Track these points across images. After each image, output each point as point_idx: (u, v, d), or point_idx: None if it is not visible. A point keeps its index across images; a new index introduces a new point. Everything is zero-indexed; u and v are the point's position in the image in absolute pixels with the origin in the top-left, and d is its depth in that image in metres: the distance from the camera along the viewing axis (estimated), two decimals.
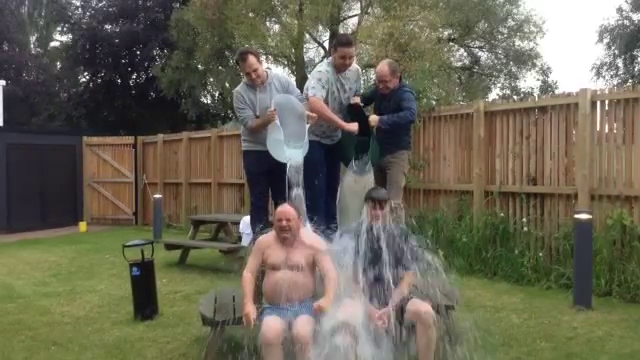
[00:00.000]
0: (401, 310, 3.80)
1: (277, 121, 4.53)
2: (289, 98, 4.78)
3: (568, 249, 6.52)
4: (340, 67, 4.92)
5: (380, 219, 3.98)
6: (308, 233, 4.04)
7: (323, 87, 4.84)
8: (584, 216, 5.74)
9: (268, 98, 4.80)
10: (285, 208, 3.96)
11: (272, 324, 3.62)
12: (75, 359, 4.57)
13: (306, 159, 4.65)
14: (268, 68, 5.21)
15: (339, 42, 5.01)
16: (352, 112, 5.04)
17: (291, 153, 4.51)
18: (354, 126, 4.81)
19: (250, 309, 3.72)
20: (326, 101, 4.86)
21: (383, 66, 5.21)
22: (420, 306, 3.69)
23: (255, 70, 4.82)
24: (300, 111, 4.67)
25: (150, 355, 4.62)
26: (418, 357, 3.71)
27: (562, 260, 6.68)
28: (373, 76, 17.44)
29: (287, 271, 3.83)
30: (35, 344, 4.95)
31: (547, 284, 6.55)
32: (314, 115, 4.64)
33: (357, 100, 5.12)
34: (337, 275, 3.83)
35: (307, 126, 4.62)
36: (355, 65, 5.12)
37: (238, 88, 5.03)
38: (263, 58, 17.91)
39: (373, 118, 4.94)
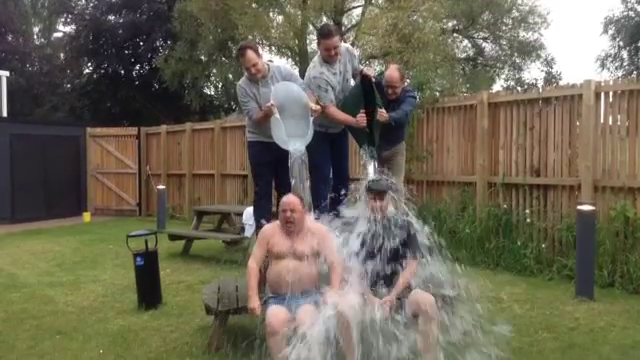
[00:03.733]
0: (403, 300, 3.80)
1: (277, 114, 4.51)
2: (289, 86, 4.73)
3: (571, 240, 6.52)
4: (328, 59, 4.83)
5: (380, 210, 3.99)
6: (313, 222, 4.05)
7: (327, 90, 4.80)
8: (587, 207, 5.74)
9: (270, 92, 4.73)
10: (290, 198, 3.97)
11: (277, 313, 3.64)
12: (79, 348, 4.60)
13: (311, 149, 4.65)
14: (270, 61, 5.16)
15: (319, 34, 4.92)
16: (364, 84, 4.83)
17: (295, 145, 4.50)
18: (362, 120, 4.73)
19: (255, 304, 3.75)
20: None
21: (394, 72, 5.17)
22: (422, 296, 3.70)
23: (255, 65, 4.76)
24: (301, 98, 4.64)
25: (154, 344, 4.65)
26: (419, 347, 3.71)
27: (565, 251, 6.69)
28: (377, 68, 17.39)
29: (292, 260, 3.85)
30: (40, 333, 4.99)
31: (549, 275, 6.57)
32: (317, 107, 4.62)
33: (371, 72, 4.91)
34: (342, 265, 3.84)
35: (311, 119, 4.60)
36: (343, 46, 4.98)
37: (240, 82, 4.99)
38: (266, 49, 17.88)
39: (383, 115, 4.86)
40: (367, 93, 4.83)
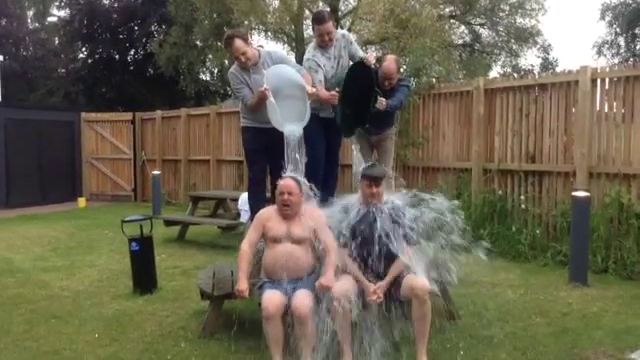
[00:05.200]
0: (397, 285, 3.81)
1: (271, 98, 4.46)
2: (281, 68, 4.66)
3: (565, 226, 6.55)
4: (323, 45, 4.85)
5: (376, 197, 3.99)
6: (309, 207, 4.04)
7: (317, 71, 4.80)
8: (582, 194, 5.76)
9: (262, 78, 4.64)
10: (287, 182, 3.95)
11: (273, 298, 3.64)
12: (75, 332, 4.61)
13: (305, 131, 4.62)
14: (260, 46, 5.10)
15: (313, 20, 4.96)
16: (359, 67, 4.75)
17: (291, 128, 4.47)
18: (334, 98, 4.67)
19: (243, 286, 3.72)
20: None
21: (391, 64, 5.14)
22: (415, 281, 3.70)
23: (244, 53, 4.67)
24: (295, 79, 4.60)
25: (149, 328, 4.66)
26: (413, 332, 3.74)
27: (559, 237, 6.72)
28: (374, 53, 17.32)
29: (288, 244, 3.84)
30: (35, 317, 5.00)
31: (544, 261, 6.60)
32: (312, 90, 4.58)
33: (372, 58, 4.88)
34: (337, 250, 3.84)
35: (308, 102, 4.57)
36: (339, 32, 5.00)
37: (232, 69, 4.91)
38: (262, 35, 17.75)
39: (383, 104, 4.86)
40: (367, 80, 4.79)
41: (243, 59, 4.70)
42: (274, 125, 4.50)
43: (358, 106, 4.74)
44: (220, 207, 9.86)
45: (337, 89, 4.72)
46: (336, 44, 4.92)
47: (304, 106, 4.52)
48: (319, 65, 4.83)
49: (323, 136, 4.98)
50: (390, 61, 5.18)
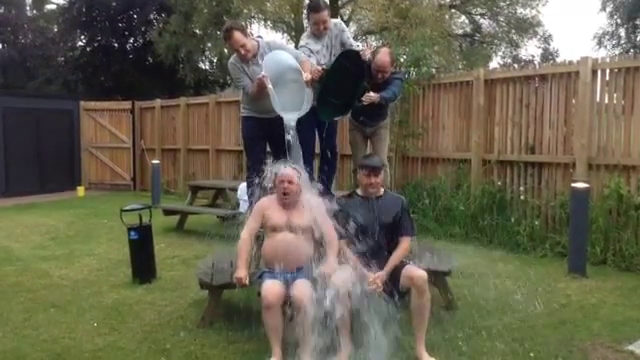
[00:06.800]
0: (396, 275, 3.82)
1: (269, 85, 4.43)
2: (277, 55, 4.61)
3: (564, 218, 6.56)
4: (317, 33, 4.88)
5: (375, 187, 3.99)
6: (309, 196, 4.03)
7: (309, 56, 4.82)
8: (581, 185, 5.76)
9: (261, 69, 4.58)
10: (287, 170, 3.94)
11: (273, 287, 3.64)
12: (74, 321, 4.62)
13: (297, 121, 4.58)
14: (259, 36, 5.06)
15: (309, 8, 4.96)
16: (352, 57, 4.73)
17: (291, 117, 4.44)
18: (316, 72, 4.64)
19: (242, 274, 3.71)
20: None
21: (385, 57, 5.12)
22: (415, 272, 3.71)
23: (243, 46, 4.62)
24: (291, 63, 4.57)
25: (148, 318, 4.67)
26: (412, 322, 3.74)
27: (558, 229, 6.73)
28: (374, 43, 17.26)
29: (288, 233, 3.84)
30: (34, 306, 5.00)
31: (542, 252, 6.61)
32: (309, 77, 4.54)
33: (369, 52, 4.95)
34: (337, 240, 3.84)
35: (308, 90, 4.54)
36: (332, 21, 4.99)
37: (232, 59, 4.86)
38: (262, 24, 17.66)
39: (371, 98, 4.82)
40: (357, 71, 4.76)
41: (242, 52, 4.65)
42: (277, 112, 4.46)
43: (343, 95, 4.71)
44: (219, 197, 9.86)
45: (324, 67, 4.74)
46: (329, 33, 4.95)
47: (306, 90, 4.48)
48: (311, 51, 4.85)
49: (315, 127, 4.97)
50: (384, 53, 5.15)
